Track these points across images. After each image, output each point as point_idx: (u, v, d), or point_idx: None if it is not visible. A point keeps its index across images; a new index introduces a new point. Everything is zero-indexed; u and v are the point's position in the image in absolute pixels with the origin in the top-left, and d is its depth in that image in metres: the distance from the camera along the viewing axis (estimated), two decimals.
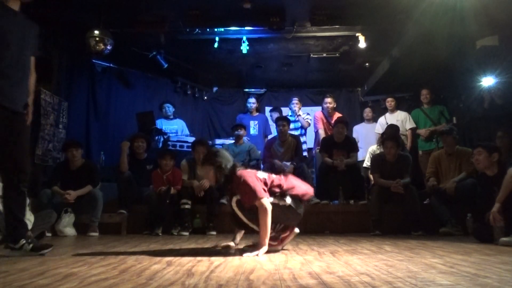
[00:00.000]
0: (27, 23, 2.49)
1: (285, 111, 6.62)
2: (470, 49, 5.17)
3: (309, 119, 6.03)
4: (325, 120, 5.93)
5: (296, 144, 5.12)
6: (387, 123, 5.88)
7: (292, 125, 5.71)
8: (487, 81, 5.12)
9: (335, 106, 6.02)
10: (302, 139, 5.71)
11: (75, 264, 1.95)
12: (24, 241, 2.38)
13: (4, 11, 2.35)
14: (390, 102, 6.08)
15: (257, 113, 6.58)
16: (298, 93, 8.01)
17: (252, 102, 6.48)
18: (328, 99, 5.92)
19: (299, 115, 5.92)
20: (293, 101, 6.04)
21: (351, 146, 5.06)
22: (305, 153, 5.81)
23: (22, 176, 2.39)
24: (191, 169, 4.63)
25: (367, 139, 6.12)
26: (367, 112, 6.41)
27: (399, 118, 5.88)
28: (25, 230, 2.45)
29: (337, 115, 5.84)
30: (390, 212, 4.40)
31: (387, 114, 6.07)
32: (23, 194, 2.43)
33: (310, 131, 6.26)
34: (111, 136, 6.51)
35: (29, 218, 3.42)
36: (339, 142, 5.02)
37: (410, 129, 5.76)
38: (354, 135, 6.22)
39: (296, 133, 5.70)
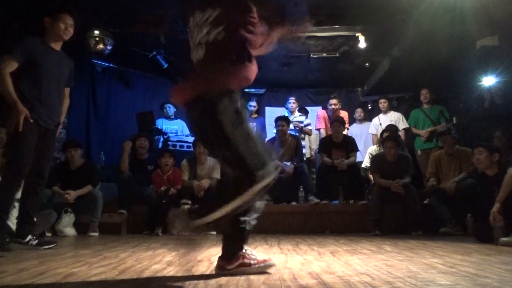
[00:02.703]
0: (64, 60, 2.98)
1: (281, 111, 6.62)
2: (470, 49, 5.17)
3: (310, 126, 5.96)
4: (328, 120, 5.92)
5: (296, 144, 5.13)
6: (380, 124, 5.89)
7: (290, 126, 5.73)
8: (488, 81, 5.11)
9: (340, 107, 6.02)
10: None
11: (75, 264, 1.95)
12: (31, 237, 2.73)
13: (45, 50, 2.84)
14: (383, 103, 6.09)
15: (256, 116, 6.58)
16: (298, 93, 8.02)
17: (253, 105, 6.50)
18: (333, 101, 5.91)
19: (303, 123, 5.86)
20: (290, 101, 6.04)
21: (350, 145, 5.07)
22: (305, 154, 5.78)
23: (42, 181, 2.87)
24: (191, 169, 4.63)
25: (361, 139, 6.09)
26: (359, 112, 6.38)
27: (393, 119, 5.88)
28: (34, 227, 2.83)
29: (342, 114, 5.84)
30: (390, 212, 4.40)
31: (381, 115, 6.08)
32: (38, 195, 2.90)
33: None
34: (111, 136, 6.51)
35: None
36: (338, 142, 5.03)
37: (404, 129, 5.77)
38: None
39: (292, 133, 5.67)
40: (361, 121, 6.31)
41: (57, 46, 2.94)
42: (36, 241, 2.75)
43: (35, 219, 2.87)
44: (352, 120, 6.60)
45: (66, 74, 2.99)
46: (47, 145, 2.88)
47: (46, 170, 2.89)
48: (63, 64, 2.97)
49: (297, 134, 5.64)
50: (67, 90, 3.06)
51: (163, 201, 4.25)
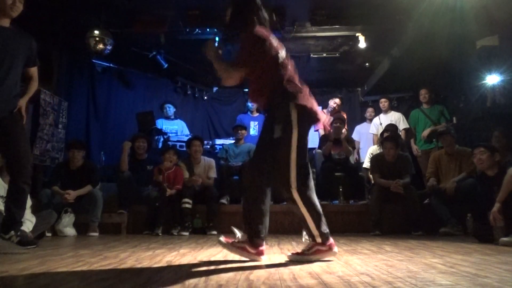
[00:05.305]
0: (15, 38, 2.61)
1: None
2: (470, 49, 5.17)
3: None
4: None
5: None
6: (381, 124, 5.89)
7: None
8: (492, 79, 5.10)
9: (341, 109, 6.04)
10: None
11: (75, 264, 1.94)
12: (13, 233, 2.56)
13: None
14: (383, 102, 6.08)
15: (257, 114, 6.57)
16: None
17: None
18: (337, 100, 5.96)
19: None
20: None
21: (349, 141, 5.15)
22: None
23: (20, 175, 2.59)
24: (189, 168, 4.66)
25: (369, 139, 6.11)
26: (370, 111, 6.35)
27: (393, 119, 5.88)
28: (17, 225, 2.63)
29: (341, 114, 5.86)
30: (390, 212, 4.41)
31: (381, 115, 6.08)
32: (22, 191, 2.61)
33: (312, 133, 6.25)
34: (111, 136, 6.51)
35: (31, 219, 3.42)
36: (337, 138, 5.06)
37: (404, 129, 5.77)
38: (355, 135, 6.21)
39: None
40: (371, 120, 6.21)
41: (5, 23, 2.58)
42: (18, 238, 2.56)
43: (22, 219, 2.69)
44: (356, 120, 6.60)
45: (20, 53, 2.62)
46: (10, 137, 2.58)
47: (24, 166, 2.59)
48: (14, 42, 2.59)
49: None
50: (32, 71, 2.76)
51: (156, 204, 4.23)
